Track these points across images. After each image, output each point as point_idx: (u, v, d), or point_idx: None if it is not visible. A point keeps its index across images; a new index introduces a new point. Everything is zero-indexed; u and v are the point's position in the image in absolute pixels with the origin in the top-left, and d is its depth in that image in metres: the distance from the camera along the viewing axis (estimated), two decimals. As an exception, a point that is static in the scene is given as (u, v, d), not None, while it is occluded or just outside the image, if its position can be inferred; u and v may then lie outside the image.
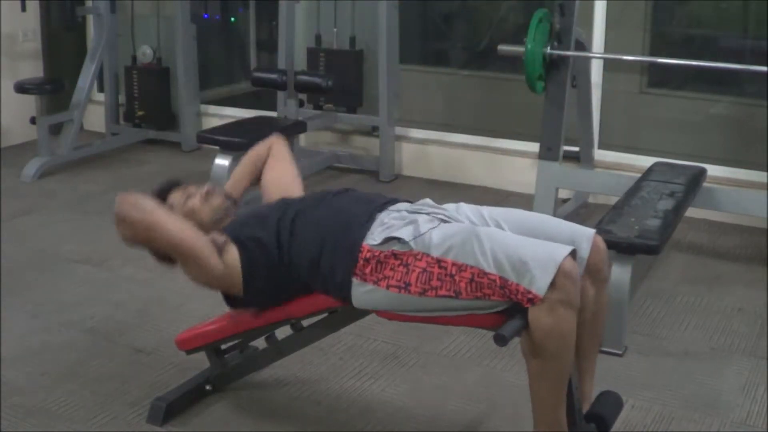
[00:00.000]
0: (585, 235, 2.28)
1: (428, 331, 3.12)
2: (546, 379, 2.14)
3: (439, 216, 2.32)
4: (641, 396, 2.82)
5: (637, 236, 3.08)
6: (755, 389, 2.89)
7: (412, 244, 2.18)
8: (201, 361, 2.81)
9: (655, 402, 2.80)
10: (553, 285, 2.02)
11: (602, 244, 2.32)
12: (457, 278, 2.12)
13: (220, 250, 2.37)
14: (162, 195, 2.57)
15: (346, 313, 2.53)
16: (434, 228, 2.22)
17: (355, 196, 2.48)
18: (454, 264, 2.13)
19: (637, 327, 3.30)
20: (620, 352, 3.08)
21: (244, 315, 2.67)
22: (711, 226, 4.44)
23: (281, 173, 2.75)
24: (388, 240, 2.22)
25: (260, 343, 2.78)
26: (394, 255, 2.20)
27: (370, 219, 2.31)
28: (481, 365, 3.02)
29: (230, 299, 2.52)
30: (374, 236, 2.24)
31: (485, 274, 2.09)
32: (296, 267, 2.36)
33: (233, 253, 2.38)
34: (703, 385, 2.91)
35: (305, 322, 2.62)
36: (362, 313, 2.51)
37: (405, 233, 2.21)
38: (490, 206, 2.43)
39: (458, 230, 2.22)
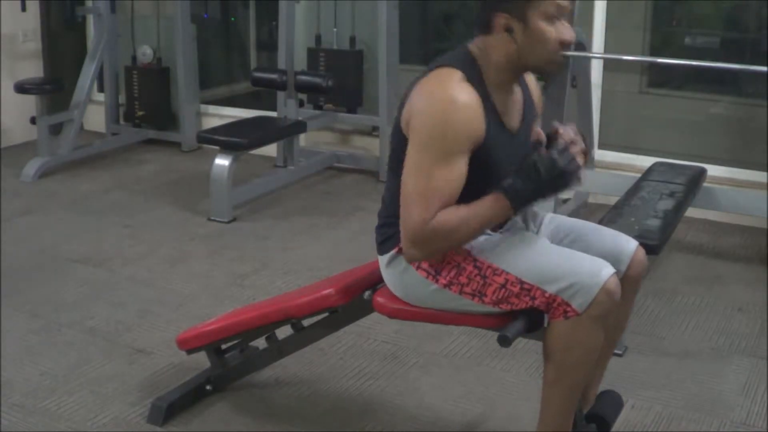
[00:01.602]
0: (629, 246, 2.26)
1: (428, 331, 3.12)
2: (561, 387, 2.13)
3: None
4: (641, 396, 2.82)
5: (637, 236, 3.06)
6: (755, 389, 2.89)
7: None
8: (201, 361, 2.81)
9: (655, 402, 2.80)
10: (593, 302, 2.01)
11: (644, 258, 2.29)
12: (489, 281, 2.09)
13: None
14: None
15: (346, 313, 2.54)
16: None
17: None
18: (490, 266, 2.10)
19: (637, 327, 3.30)
20: (620, 352, 3.08)
21: (244, 315, 2.68)
22: (711, 226, 4.44)
23: None
24: None
25: (260, 343, 2.78)
26: None
27: None
28: (481, 365, 3.02)
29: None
30: None
31: (520, 281, 2.06)
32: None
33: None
34: (703, 385, 2.91)
35: (305, 322, 2.62)
36: (362, 313, 2.51)
37: None
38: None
39: (503, 235, 2.19)
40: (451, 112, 2.00)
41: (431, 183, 2.00)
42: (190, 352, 2.75)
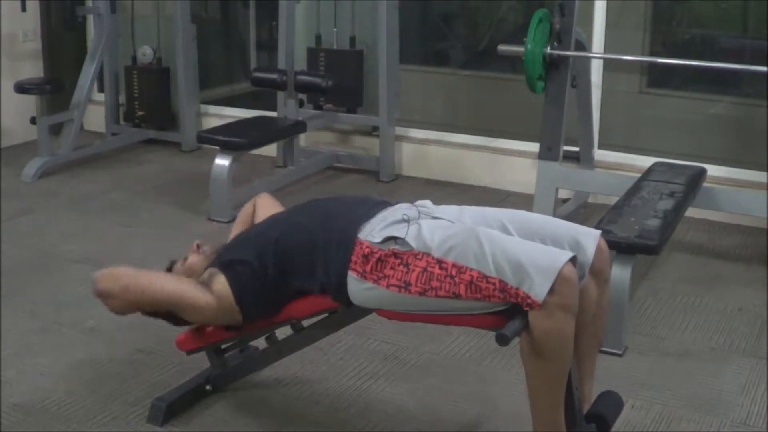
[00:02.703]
0: (590, 236, 2.28)
1: (428, 331, 3.12)
2: (544, 380, 2.14)
3: (439, 218, 2.32)
4: (641, 396, 2.82)
5: (637, 236, 3.08)
6: (755, 389, 2.89)
7: (413, 243, 2.18)
8: (201, 361, 2.81)
9: (655, 402, 2.80)
10: (552, 290, 2.02)
11: (606, 246, 2.33)
12: (456, 279, 2.12)
13: (208, 283, 2.40)
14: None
15: (346, 313, 2.53)
16: (436, 228, 2.22)
17: (343, 199, 2.51)
18: (454, 265, 2.13)
19: (637, 327, 3.30)
20: (620, 352, 3.08)
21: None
22: (711, 226, 4.44)
23: (269, 213, 2.76)
24: (389, 239, 2.22)
25: (260, 343, 2.78)
26: (395, 254, 2.19)
27: (365, 216, 2.31)
28: (481, 365, 3.02)
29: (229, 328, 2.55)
30: (374, 234, 2.24)
31: (485, 277, 2.09)
32: (287, 275, 2.36)
33: (221, 281, 2.40)
34: (703, 385, 2.91)
35: (305, 322, 2.62)
36: (362, 313, 2.51)
37: (406, 233, 2.21)
38: (493, 207, 2.43)
39: (460, 231, 2.22)
40: None
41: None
42: (189, 352, 2.75)
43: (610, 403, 2.45)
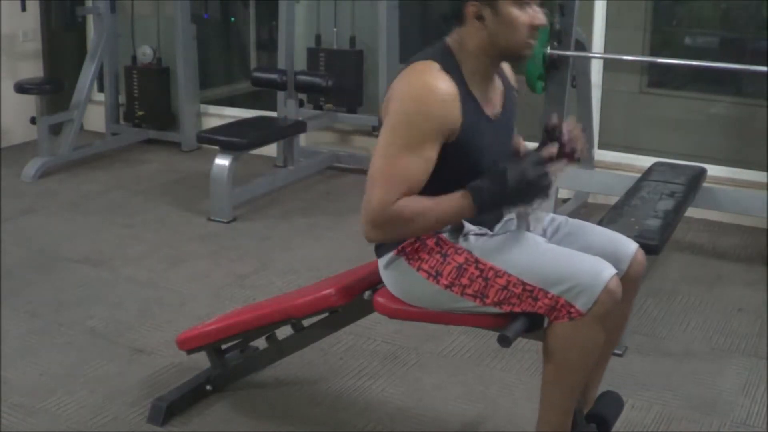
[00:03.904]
0: (629, 247, 2.26)
1: (428, 331, 3.12)
2: (561, 387, 2.13)
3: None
4: (641, 396, 2.82)
5: (637, 236, 3.07)
6: (755, 389, 2.89)
7: (459, 239, 2.15)
8: (201, 361, 2.81)
9: (655, 402, 2.80)
10: (596, 302, 2.01)
11: (643, 259, 2.30)
12: (491, 282, 2.09)
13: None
14: None
15: (346, 313, 2.54)
16: (484, 231, 2.19)
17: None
18: (492, 268, 2.10)
19: (637, 327, 3.30)
20: (620, 352, 3.08)
21: (244, 315, 2.68)
22: (711, 226, 4.44)
23: None
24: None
25: (260, 343, 2.78)
26: (438, 241, 2.15)
27: None
28: (481, 365, 3.02)
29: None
30: None
31: (523, 283, 2.06)
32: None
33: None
34: (703, 385, 2.91)
35: (305, 322, 2.62)
36: (362, 313, 2.52)
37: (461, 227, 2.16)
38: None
39: (504, 235, 2.19)
40: (426, 99, 2.02)
41: (397, 167, 2.02)
42: (190, 352, 2.75)
43: (611, 403, 2.45)
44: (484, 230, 2.20)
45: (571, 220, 2.37)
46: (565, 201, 4.61)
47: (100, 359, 3.04)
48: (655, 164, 4.05)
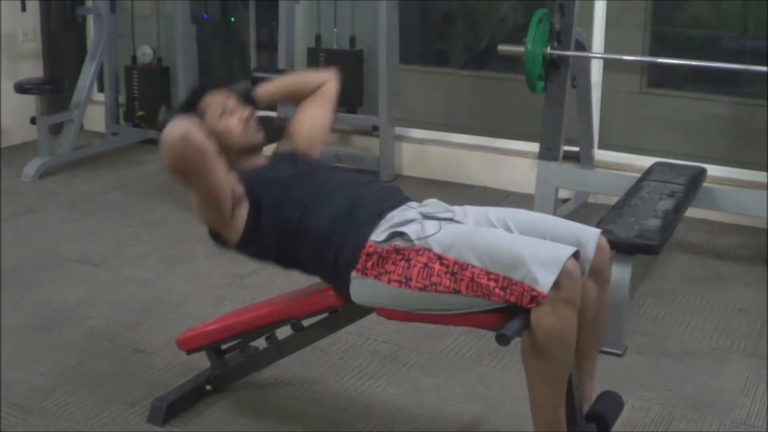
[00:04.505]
0: (590, 235, 2.29)
1: (428, 331, 3.12)
2: (545, 379, 2.14)
3: (446, 217, 2.32)
4: (641, 396, 2.82)
5: (637, 236, 3.08)
6: (755, 389, 2.89)
7: (415, 239, 2.19)
8: (201, 361, 2.81)
9: (655, 402, 2.80)
10: (556, 285, 2.03)
11: (606, 245, 2.33)
12: (458, 276, 2.12)
13: (236, 203, 2.35)
14: (199, 94, 2.50)
15: (346, 313, 2.54)
16: (439, 226, 2.23)
17: (374, 188, 2.46)
18: (456, 262, 2.13)
19: (637, 327, 3.30)
20: (620, 352, 3.08)
21: (244, 315, 2.67)
22: (711, 226, 4.44)
23: (317, 118, 2.70)
24: (392, 236, 2.22)
25: (260, 343, 2.78)
26: (396, 250, 2.20)
27: (380, 216, 2.30)
28: (481, 365, 3.02)
29: (216, 237, 2.47)
30: (379, 233, 2.24)
31: (487, 273, 2.09)
32: (298, 250, 2.35)
33: (243, 212, 2.36)
34: (703, 385, 2.91)
35: (305, 322, 2.62)
36: (362, 313, 2.51)
37: (409, 230, 2.21)
38: (495, 207, 2.43)
39: (462, 229, 2.23)
40: None
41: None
42: (190, 352, 2.75)
43: (611, 403, 2.45)
44: (415, 221, 2.25)
45: (528, 212, 2.41)
46: (565, 201, 4.61)
47: (100, 359, 3.04)
48: (655, 164, 4.06)
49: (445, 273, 2.14)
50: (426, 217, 2.31)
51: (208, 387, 2.78)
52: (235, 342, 2.74)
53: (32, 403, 2.77)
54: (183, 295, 3.57)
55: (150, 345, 3.13)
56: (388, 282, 2.20)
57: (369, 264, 2.22)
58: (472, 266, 2.11)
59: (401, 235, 2.21)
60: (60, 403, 2.76)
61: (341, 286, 2.30)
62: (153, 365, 3.00)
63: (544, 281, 2.03)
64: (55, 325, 3.30)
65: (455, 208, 2.41)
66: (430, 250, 2.17)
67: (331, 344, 3.08)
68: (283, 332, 2.68)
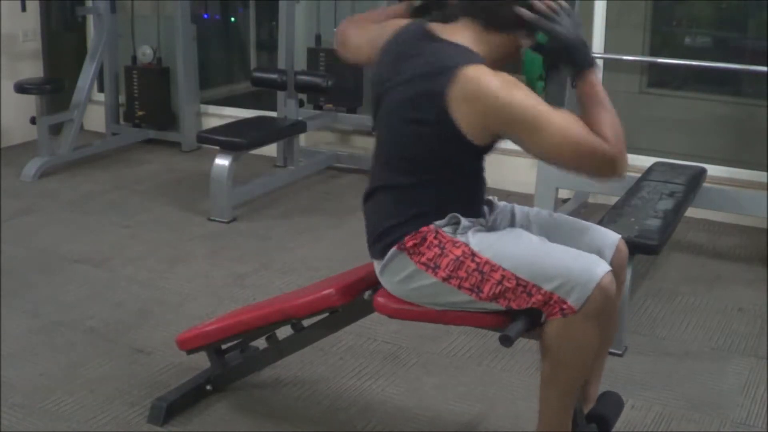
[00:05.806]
0: (610, 239, 2.30)
1: (428, 331, 3.12)
2: (559, 385, 2.14)
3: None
4: (641, 396, 2.82)
5: (637, 236, 3.08)
6: (755, 389, 2.89)
7: (458, 234, 2.16)
8: (201, 361, 2.81)
9: (655, 402, 2.80)
10: (589, 299, 2.02)
11: (625, 248, 2.34)
12: (486, 276, 2.11)
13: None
14: None
15: (347, 313, 2.54)
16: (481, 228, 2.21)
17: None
18: (487, 262, 2.12)
19: (637, 327, 3.30)
20: (620, 352, 3.08)
21: (244, 315, 2.68)
22: (711, 226, 4.44)
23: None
24: (451, 221, 2.18)
25: (260, 343, 2.78)
26: (436, 234, 2.17)
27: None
28: (481, 365, 3.02)
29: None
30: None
31: (516, 277, 2.08)
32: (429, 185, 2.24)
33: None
34: (703, 385, 2.91)
35: (305, 323, 2.62)
36: (362, 312, 2.51)
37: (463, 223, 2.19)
38: (518, 205, 2.42)
39: (501, 231, 2.23)
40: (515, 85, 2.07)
41: (569, 125, 2.02)
42: (190, 352, 2.75)
43: (611, 403, 2.46)
44: (479, 223, 2.22)
45: (550, 213, 2.41)
46: (565, 201, 4.61)
47: (100, 359, 3.04)
48: (655, 164, 4.06)
49: (474, 270, 2.12)
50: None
51: (208, 387, 2.78)
52: (235, 342, 2.74)
53: (32, 403, 2.76)
54: (183, 295, 3.57)
55: (150, 345, 3.13)
56: (417, 263, 2.17)
57: (410, 243, 2.18)
58: (503, 269, 2.10)
59: (457, 223, 2.18)
60: (60, 403, 2.76)
61: (380, 253, 2.23)
62: (153, 365, 3.00)
63: (579, 295, 2.02)
64: (55, 325, 3.30)
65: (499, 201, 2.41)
66: (466, 245, 2.15)
67: (331, 344, 3.08)
68: (284, 332, 2.68)
